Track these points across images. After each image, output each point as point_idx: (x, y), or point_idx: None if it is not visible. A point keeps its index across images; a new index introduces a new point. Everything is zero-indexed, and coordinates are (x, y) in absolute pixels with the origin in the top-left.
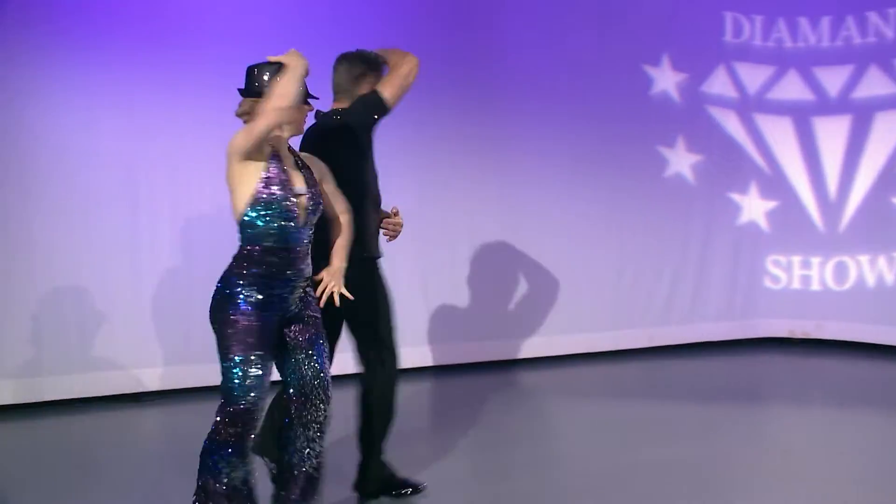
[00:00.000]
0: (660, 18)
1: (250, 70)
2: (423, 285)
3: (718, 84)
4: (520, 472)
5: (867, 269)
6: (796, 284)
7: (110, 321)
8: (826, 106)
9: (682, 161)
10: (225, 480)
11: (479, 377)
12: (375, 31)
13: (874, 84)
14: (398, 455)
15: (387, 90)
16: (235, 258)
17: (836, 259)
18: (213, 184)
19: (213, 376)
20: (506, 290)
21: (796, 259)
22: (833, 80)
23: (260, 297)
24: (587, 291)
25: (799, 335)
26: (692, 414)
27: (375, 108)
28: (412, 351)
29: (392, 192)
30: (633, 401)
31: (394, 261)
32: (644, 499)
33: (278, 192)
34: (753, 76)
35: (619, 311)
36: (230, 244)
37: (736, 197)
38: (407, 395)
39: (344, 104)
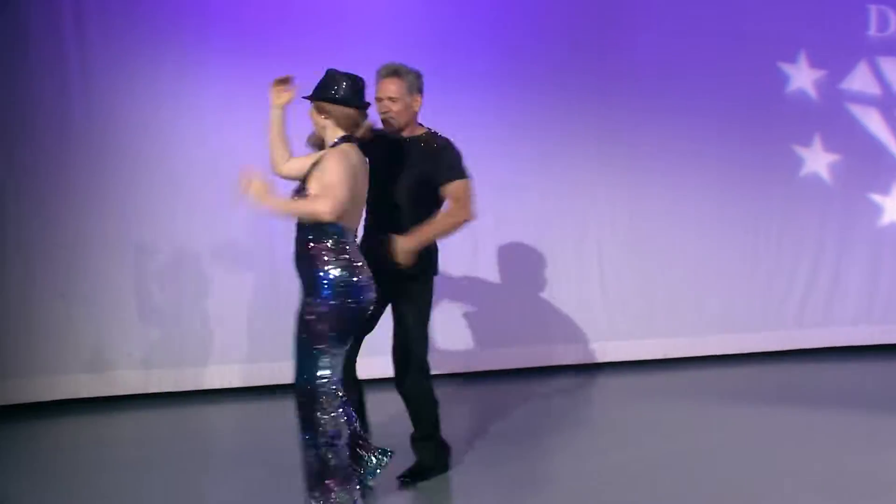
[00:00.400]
0: (798, 15)
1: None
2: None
3: (859, 80)
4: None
5: None
6: None
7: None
8: None
9: (818, 160)
10: None
11: (618, 377)
12: (504, 26)
13: None
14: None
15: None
16: None
17: None
18: None
19: None
20: (635, 289)
21: None
22: None
23: None
24: (717, 293)
25: None
26: (840, 421)
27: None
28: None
29: (521, 191)
30: (775, 406)
31: (529, 259)
32: None
33: None
34: None
35: (751, 313)
36: None
37: (877, 198)
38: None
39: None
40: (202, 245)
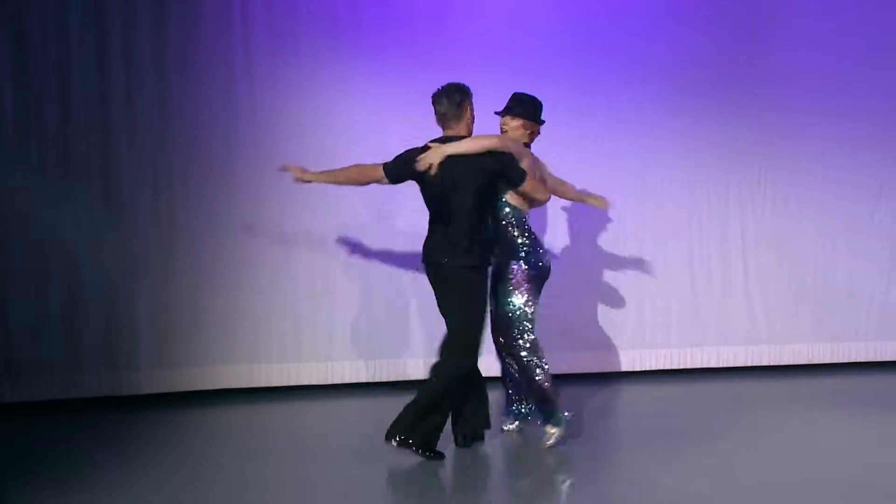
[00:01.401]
0: None
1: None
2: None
3: None
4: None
5: None
6: None
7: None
8: None
9: None
10: None
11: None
12: (644, 27)
13: None
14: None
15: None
16: None
17: None
18: None
19: None
20: (771, 291)
21: None
22: None
23: None
24: (854, 287)
25: None
26: None
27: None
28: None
29: (661, 190)
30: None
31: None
32: None
33: None
34: None
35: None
36: None
37: None
38: None
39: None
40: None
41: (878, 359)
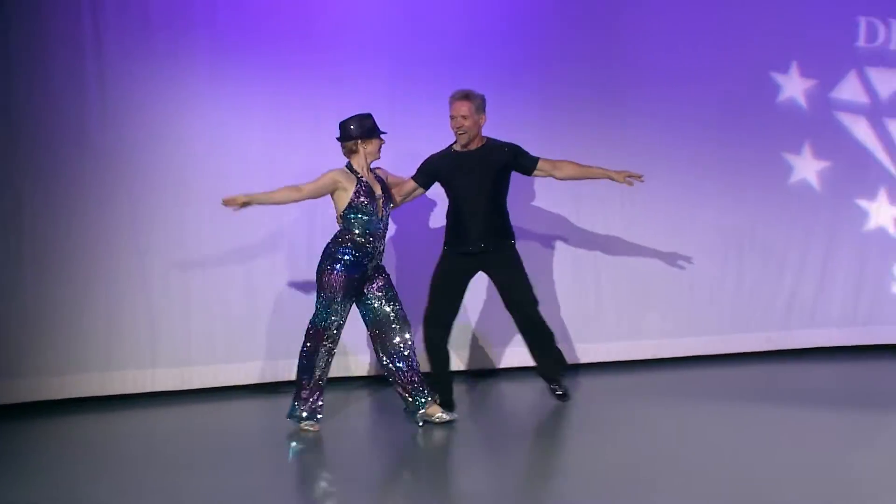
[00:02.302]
0: (791, 26)
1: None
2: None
3: (849, 90)
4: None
5: None
6: None
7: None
8: None
9: (808, 167)
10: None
11: (609, 377)
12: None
13: None
14: None
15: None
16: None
17: None
18: None
19: None
20: (622, 289)
21: None
22: None
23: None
24: (706, 295)
25: None
26: (816, 417)
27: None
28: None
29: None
30: (763, 404)
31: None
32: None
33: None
34: (887, 82)
35: (739, 314)
36: None
37: (863, 203)
38: None
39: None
40: (210, 247)
41: (714, 352)
